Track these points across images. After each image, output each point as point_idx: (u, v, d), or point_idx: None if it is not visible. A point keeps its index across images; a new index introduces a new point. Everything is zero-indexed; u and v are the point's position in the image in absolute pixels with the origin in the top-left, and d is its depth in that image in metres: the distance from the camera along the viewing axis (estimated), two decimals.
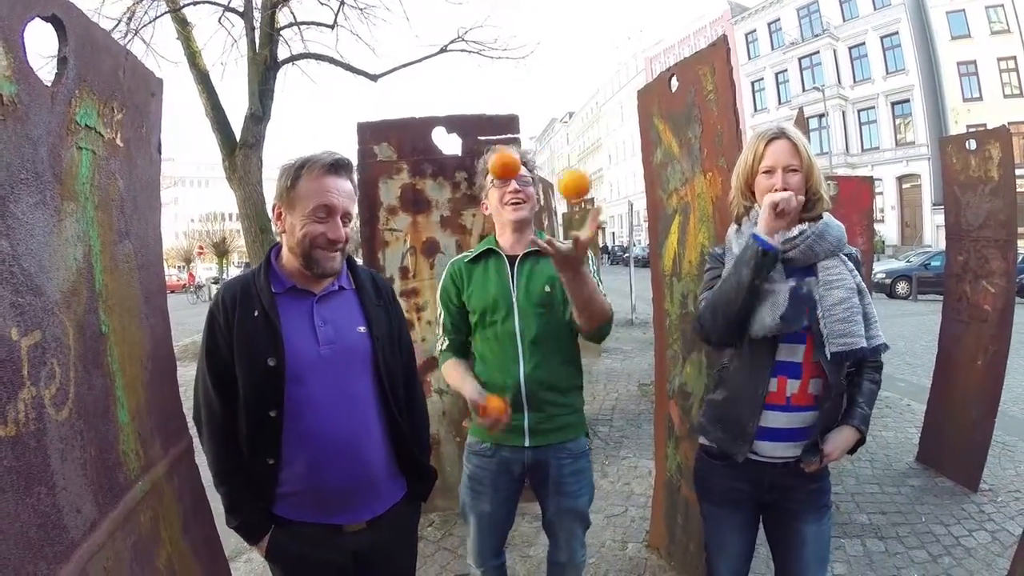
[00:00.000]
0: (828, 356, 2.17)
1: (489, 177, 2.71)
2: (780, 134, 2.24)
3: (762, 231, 2.15)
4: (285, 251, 2.07)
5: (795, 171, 2.20)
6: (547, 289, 2.65)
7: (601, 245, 38.68)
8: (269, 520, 2.06)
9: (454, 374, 2.73)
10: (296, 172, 1.98)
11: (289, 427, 1.98)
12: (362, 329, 2.12)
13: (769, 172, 2.22)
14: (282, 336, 1.97)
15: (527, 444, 2.64)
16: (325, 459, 2.01)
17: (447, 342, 2.81)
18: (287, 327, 1.99)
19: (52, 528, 1.22)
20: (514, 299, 2.66)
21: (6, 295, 1.13)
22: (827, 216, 2.28)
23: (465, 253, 2.89)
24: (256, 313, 1.98)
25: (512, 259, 2.71)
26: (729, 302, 2.17)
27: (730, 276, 2.19)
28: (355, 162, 4.38)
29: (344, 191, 2.03)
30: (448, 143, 4.40)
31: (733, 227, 2.40)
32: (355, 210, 2.09)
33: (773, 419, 2.25)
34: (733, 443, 2.30)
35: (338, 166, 2.02)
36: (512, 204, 2.68)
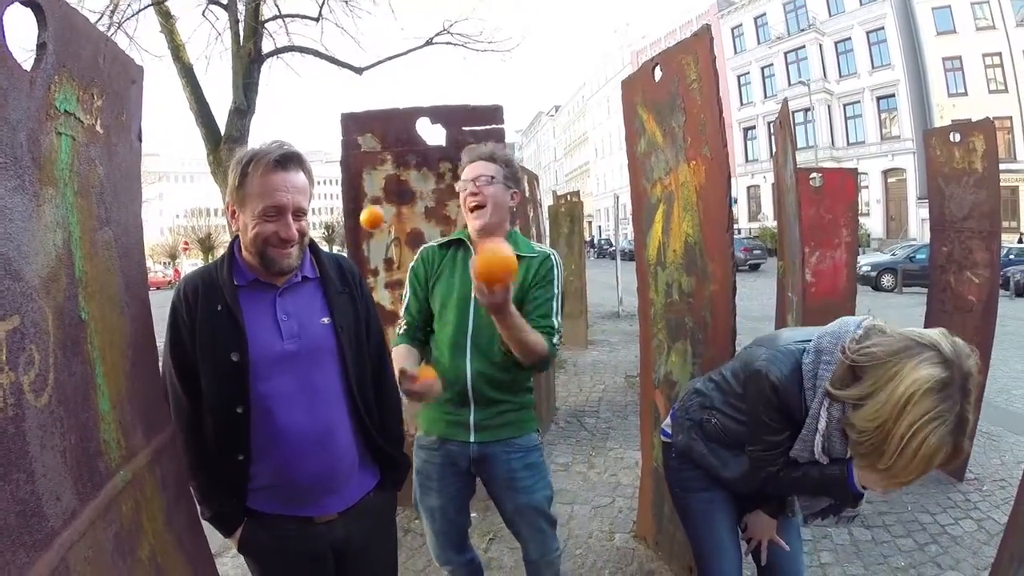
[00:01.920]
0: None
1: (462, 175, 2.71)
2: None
3: (860, 485, 1.93)
4: (243, 245, 2.02)
5: None
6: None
7: (588, 239, 38.72)
8: (242, 513, 2.05)
9: (398, 357, 2.59)
10: (243, 169, 1.91)
11: (256, 423, 1.96)
12: (326, 320, 2.07)
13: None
14: (245, 331, 1.94)
15: (472, 439, 2.63)
16: (293, 454, 1.99)
17: (404, 326, 2.74)
18: (250, 322, 1.96)
19: (31, 516, 1.21)
20: (473, 295, 2.56)
21: None
22: None
23: (439, 239, 2.86)
24: (219, 307, 1.95)
25: None
26: (802, 491, 2.16)
27: (814, 482, 2.04)
28: (339, 153, 4.39)
29: (294, 186, 1.95)
30: (432, 134, 4.39)
31: (825, 403, 1.94)
32: (308, 203, 2.01)
33: None
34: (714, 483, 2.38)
35: (286, 160, 1.93)
36: (472, 210, 2.64)
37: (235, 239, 2.08)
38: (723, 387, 2.34)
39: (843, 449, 1.96)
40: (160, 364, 2.00)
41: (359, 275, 2.28)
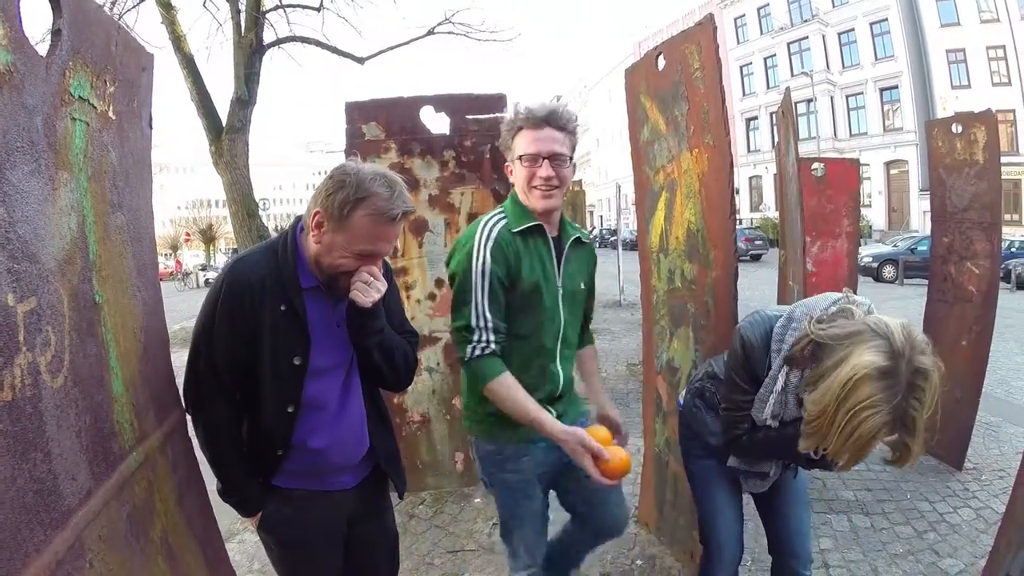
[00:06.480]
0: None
1: (517, 144, 2.33)
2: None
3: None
4: (312, 252, 1.94)
5: None
6: (582, 286, 2.51)
7: (589, 228, 38.63)
8: (266, 494, 2.06)
9: (520, 398, 2.16)
10: (354, 204, 1.84)
11: (302, 419, 1.98)
12: None
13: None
14: (310, 337, 1.94)
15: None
16: (330, 446, 2.05)
17: (493, 343, 2.21)
18: (314, 327, 1.96)
19: (48, 494, 1.24)
20: (559, 287, 2.37)
21: (2, 261, 1.14)
22: None
23: (504, 221, 2.33)
24: (283, 308, 1.91)
25: (556, 242, 2.40)
26: (764, 454, 2.25)
27: (773, 444, 2.13)
28: (340, 143, 4.41)
29: (396, 237, 2.00)
30: (436, 122, 4.41)
31: (784, 368, 2.03)
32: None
33: None
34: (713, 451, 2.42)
35: (403, 216, 1.93)
36: (542, 190, 2.27)
37: (292, 233, 2.00)
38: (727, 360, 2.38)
39: (798, 412, 2.00)
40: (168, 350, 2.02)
41: (388, 266, 2.24)
